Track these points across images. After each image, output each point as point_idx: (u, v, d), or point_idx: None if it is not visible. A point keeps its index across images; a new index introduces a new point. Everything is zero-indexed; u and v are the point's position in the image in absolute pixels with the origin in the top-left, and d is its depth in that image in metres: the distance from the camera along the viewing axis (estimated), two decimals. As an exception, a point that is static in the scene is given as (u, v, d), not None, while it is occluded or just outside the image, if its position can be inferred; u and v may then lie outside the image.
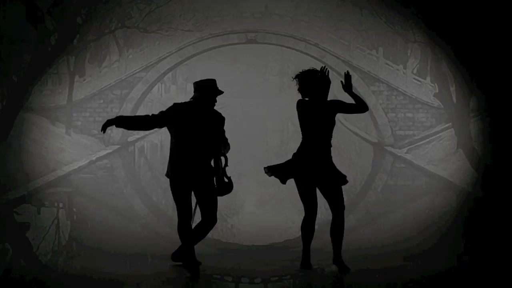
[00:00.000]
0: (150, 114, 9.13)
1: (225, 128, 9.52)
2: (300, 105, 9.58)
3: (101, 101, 34.63)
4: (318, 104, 9.42)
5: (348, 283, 9.39)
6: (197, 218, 9.54)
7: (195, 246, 9.53)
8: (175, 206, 9.50)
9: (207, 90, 9.25)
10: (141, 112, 41.92)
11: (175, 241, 12.75)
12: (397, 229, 14.70)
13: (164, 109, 9.21)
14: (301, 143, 9.44)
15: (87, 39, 30.50)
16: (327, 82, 9.49)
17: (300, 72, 9.69)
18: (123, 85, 34.74)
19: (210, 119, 9.24)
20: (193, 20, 37.05)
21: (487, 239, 13.75)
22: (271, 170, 9.56)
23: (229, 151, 9.66)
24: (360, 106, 9.45)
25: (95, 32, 32.56)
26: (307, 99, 9.56)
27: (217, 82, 9.57)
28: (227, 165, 9.44)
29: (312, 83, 9.48)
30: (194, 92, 9.27)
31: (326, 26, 36.56)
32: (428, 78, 35.62)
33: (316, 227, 13.86)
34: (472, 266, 11.26)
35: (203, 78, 9.58)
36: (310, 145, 9.35)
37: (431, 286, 9.84)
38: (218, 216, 9.72)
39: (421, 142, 31.34)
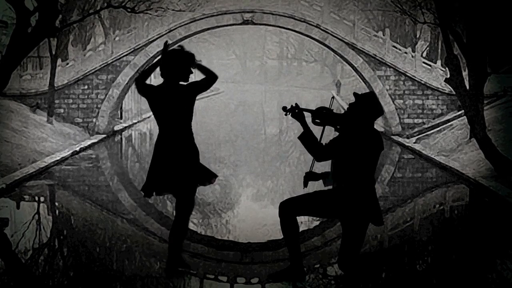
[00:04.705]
0: None
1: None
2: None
3: (86, 86, 34.59)
4: (171, 87, 9.18)
5: (352, 283, 9.40)
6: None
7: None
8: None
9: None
10: (128, 98, 41.87)
11: (165, 238, 12.76)
12: (405, 224, 14.71)
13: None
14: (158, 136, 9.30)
15: (70, 20, 30.41)
16: (189, 64, 9.25)
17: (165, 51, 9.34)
18: (109, 69, 34.69)
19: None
20: (184, -1, 37.00)
21: (501, 234, 13.77)
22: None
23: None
24: (210, 76, 9.34)
25: (79, 12, 32.49)
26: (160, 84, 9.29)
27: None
28: None
29: (171, 64, 9.17)
30: None
31: (328, 6, 36.39)
32: (439, 62, 35.62)
33: (316, 223, 13.92)
34: (483, 264, 11.27)
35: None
36: (167, 137, 9.19)
37: (442, 285, 9.85)
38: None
39: (431, 131, 31.36)
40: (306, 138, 8.91)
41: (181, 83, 9.21)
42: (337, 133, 9.04)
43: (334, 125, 9.03)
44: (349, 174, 8.80)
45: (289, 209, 9.01)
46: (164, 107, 9.08)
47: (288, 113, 9.09)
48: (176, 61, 9.12)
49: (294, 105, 9.10)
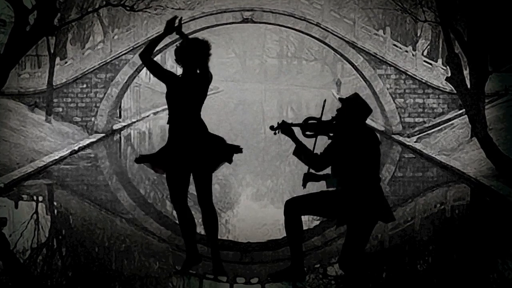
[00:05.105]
0: None
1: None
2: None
3: (84, 85, 34.58)
4: (191, 75, 9.26)
5: (352, 283, 9.39)
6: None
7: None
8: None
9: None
10: (127, 97, 41.87)
11: (164, 237, 12.76)
12: (406, 224, 14.71)
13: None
14: (169, 125, 9.36)
15: (69, 18, 30.40)
16: (205, 51, 9.30)
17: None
18: (108, 68, 34.69)
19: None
20: (184, -3, 37.00)
21: (502, 233, 13.77)
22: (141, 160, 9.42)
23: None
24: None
25: (78, 11, 32.46)
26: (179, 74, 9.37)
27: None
28: None
29: (187, 52, 9.25)
30: None
31: (328, 4, 36.40)
32: (440, 61, 35.61)
33: (317, 223, 13.91)
34: (485, 264, 11.27)
35: None
36: (178, 125, 9.23)
37: (443, 285, 9.85)
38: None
39: (432, 130, 31.35)
40: (300, 152, 8.98)
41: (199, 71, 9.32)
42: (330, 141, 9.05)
43: (326, 134, 9.07)
44: (353, 176, 8.79)
45: (294, 208, 9.01)
46: (185, 96, 9.15)
47: (277, 131, 9.14)
48: (193, 49, 9.21)
49: (280, 122, 9.13)
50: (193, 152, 9.11)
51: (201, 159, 9.16)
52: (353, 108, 8.90)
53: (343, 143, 8.82)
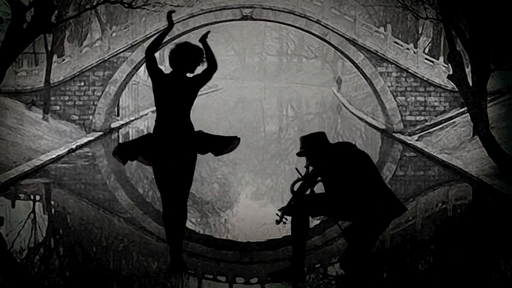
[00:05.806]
0: None
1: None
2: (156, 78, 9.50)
3: (82, 83, 34.56)
4: (178, 77, 9.43)
5: (353, 282, 9.39)
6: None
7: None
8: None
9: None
10: (125, 95, 41.86)
11: (163, 237, 12.74)
12: (407, 223, 14.69)
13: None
14: (155, 120, 9.50)
15: (66, 16, 30.40)
16: (198, 56, 9.55)
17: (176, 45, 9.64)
18: (106, 66, 34.66)
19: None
20: (183, -6, 36.99)
21: (505, 233, 13.76)
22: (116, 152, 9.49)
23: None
24: (211, 66, 9.60)
25: (75, 8, 32.46)
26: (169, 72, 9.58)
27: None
28: None
29: (182, 56, 9.48)
30: None
31: (329, 1, 36.33)
32: (441, 58, 35.58)
33: (317, 222, 13.90)
34: (487, 264, 11.27)
35: None
36: (165, 123, 9.34)
37: (444, 285, 9.85)
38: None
39: (434, 129, 31.34)
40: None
41: (187, 75, 9.53)
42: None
43: (316, 182, 9.33)
44: (356, 186, 8.83)
45: (304, 207, 9.03)
46: (169, 95, 9.31)
47: (283, 219, 9.27)
48: (187, 53, 9.44)
49: (279, 213, 9.26)
50: (172, 146, 9.23)
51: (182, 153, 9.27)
52: (310, 146, 9.24)
53: (330, 172, 9.02)
